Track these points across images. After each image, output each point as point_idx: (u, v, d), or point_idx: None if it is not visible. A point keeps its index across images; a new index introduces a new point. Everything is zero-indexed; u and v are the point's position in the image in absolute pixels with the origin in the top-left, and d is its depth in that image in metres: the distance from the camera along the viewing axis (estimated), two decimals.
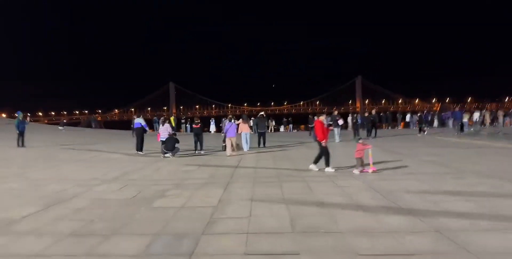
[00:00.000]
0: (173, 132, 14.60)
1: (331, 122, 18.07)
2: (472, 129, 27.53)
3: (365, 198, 6.55)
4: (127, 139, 22.54)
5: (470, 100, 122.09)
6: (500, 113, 32.65)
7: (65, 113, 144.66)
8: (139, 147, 15.14)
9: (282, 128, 38.95)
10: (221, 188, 7.74)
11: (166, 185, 8.28)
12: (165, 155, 13.74)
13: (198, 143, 15.44)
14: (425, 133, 23.62)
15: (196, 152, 15.28)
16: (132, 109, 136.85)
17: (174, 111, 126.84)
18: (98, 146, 19.56)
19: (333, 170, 9.44)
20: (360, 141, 9.49)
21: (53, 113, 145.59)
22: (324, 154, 9.59)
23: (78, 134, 31.63)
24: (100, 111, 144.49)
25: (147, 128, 15.42)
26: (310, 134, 26.17)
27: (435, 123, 34.45)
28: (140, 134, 15.06)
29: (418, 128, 24.93)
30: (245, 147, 15.78)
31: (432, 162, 10.92)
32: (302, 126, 40.91)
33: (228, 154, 14.05)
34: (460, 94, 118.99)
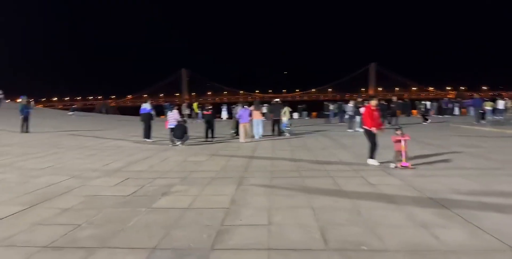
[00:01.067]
0: (182, 119, 13.58)
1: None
2: (499, 117, 25.92)
3: (408, 201, 5.44)
4: (138, 125, 21.64)
5: (486, 89, 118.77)
6: None
7: (79, 98, 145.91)
8: (147, 134, 14.22)
9: (296, 115, 37.66)
10: (234, 184, 6.71)
11: (172, 179, 7.29)
12: (174, 143, 12.79)
13: (210, 130, 14.44)
14: (428, 121, 22.15)
15: (208, 139, 14.30)
16: (145, 95, 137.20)
17: (186, 97, 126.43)
18: (107, 132, 18.73)
19: (377, 163, 8.34)
20: (397, 132, 8.20)
21: (67, 98, 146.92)
22: (371, 144, 8.53)
23: (88, 120, 30.96)
24: (114, 96, 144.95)
25: (153, 113, 14.41)
26: (326, 121, 24.99)
27: (456, 111, 32.78)
28: (147, 121, 14.10)
29: (422, 117, 23.24)
30: (256, 135, 14.84)
31: (470, 154, 9.69)
32: (314, 114, 39.51)
33: (243, 141, 13.44)
34: (474, 82, 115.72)
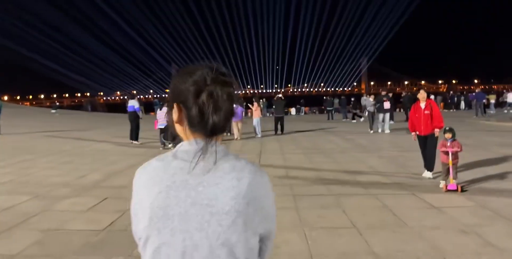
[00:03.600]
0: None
1: (374, 103, 14.48)
2: (506, 111, 24.60)
3: (503, 243, 3.80)
4: (125, 124, 19.79)
5: (477, 82, 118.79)
6: None
7: (67, 95, 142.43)
8: (134, 136, 12.44)
9: (293, 111, 36.10)
10: None
11: None
12: (165, 146, 11.05)
13: None
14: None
15: None
16: (134, 91, 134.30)
17: None
18: (90, 133, 16.87)
19: (431, 176, 6.44)
20: (447, 135, 5.77)
21: (54, 95, 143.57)
22: (429, 152, 6.48)
23: (72, 119, 28.93)
24: (102, 93, 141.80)
25: (140, 113, 12.58)
26: (328, 118, 23.37)
27: (462, 105, 31.48)
28: (134, 120, 12.30)
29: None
30: (258, 133, 13.93)
31: None
32: (306, 108, 38.20)
33: (237, 137, 13.24)
34: (466, 75, 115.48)
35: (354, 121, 21.45)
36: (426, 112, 6.39)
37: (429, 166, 6.43)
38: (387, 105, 14.04)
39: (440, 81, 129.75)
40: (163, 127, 11.18)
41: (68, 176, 7.40)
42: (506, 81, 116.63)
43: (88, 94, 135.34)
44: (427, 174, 6.46)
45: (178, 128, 1.02)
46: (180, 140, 1.03)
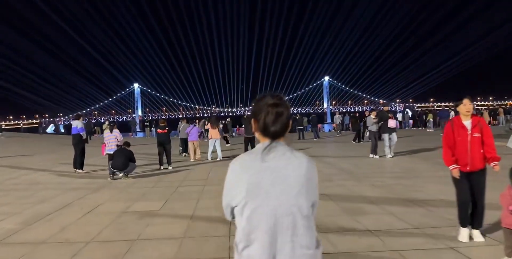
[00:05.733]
0: (120, 141, 9.83)
1: (376, 122, 11.78)
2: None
3: None
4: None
5: (432, 100, 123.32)
6: (501, 111, 29.78)
7: (24, 116, 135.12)
8: (78, 163, 10.47)
9: None
10: None
11: None
12: (115, 175, 9.18)
13: (165, 154, 10.93)
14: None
15: (162, 167, 10.78)
16: (96, 112, 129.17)
17: (140, 113, 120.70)
18: (32, 159, 14.62)
19: (483, 239, 4.04)
20: None
21: (11, 117, 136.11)
22: (479, 201, 4.05)
23: (19, 142, 26.10)
24: (61, 114, 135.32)
25: (82, 133, 10.56)
26: (299, 137, 22.07)
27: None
28: (77, 144, 10.35)
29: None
30: (209, 157, 12.82)
31: None
32: None
33: (192, 160, 12.62)
34: (422, 94, 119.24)
35: (360, 142, 18.15)
36: (475, 134, 4.00)
37: (478, 223, 4.05)
38: (392, 123, 11.62)
39: (398, 100, 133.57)
40: (112, 152, 9.34)
41: None
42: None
43: (46, 115, 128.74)
44: (477, 236, 4.02)
45: (257, 134, 1.56)
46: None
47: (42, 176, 10.09)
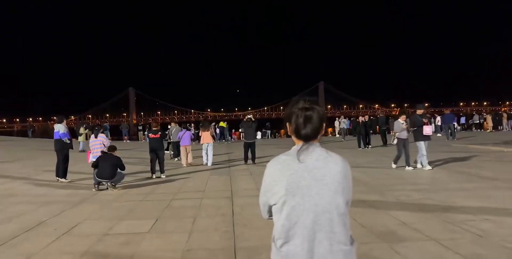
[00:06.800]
0: (107, 146, 8.74)
1: (406, 127, 9.75)
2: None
3: None
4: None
5: (427, 105, 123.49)
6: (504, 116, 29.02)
7: (17, 120, 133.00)
8: (61, 171, 9.39)
9: (259, 135, 33.65)
10: None
11: None
12: (101, 186, 8.13)
13: (158, 162, 9.89)
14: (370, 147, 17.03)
15: (154, 176, 9.74)
16: (89, 116, 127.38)
17: (134, 117, 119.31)
18: (11, 166, 13.46)
19: None
20: None
21: (4, 120, 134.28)
22: None
23: (3, 147, 24.83)
24: (54, 117, 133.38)
25: (64, 139, 9.30)
26: None
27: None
28: (60, 150, 9.28)
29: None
30: (205, 160, 12.38)
31: None
32: (283, 131, 35.85)
33: (185, 165, 12.06)
34: (416, 100, 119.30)
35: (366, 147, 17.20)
36: None
37: None
38: (428, 130, 9.60)
39: (392, 105, 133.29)
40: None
41: None
42: (456, 104, 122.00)
43: (40, 118, 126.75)
44: None
45: (292, 137, 1.61)
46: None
47: (19, 187, 9.00)
